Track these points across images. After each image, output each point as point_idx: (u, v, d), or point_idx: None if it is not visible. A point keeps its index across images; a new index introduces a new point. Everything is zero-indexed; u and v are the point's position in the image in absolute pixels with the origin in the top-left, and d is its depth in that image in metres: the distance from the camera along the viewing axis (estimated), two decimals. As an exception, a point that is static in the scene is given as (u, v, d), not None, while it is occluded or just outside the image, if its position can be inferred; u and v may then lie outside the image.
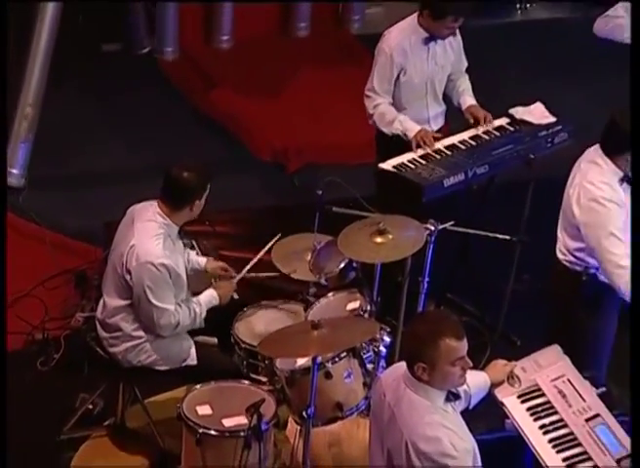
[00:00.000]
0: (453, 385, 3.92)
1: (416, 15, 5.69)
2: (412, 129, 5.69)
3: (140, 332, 5.00)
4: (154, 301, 4.85)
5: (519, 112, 5.92)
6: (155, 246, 4.84)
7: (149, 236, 4.86)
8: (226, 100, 7.57)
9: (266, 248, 5.32)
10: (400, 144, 5.71)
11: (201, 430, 4.61)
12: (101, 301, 5.10)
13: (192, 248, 5.67)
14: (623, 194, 4.87)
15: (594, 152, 4.91)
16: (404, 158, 5.64)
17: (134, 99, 7.55)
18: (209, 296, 5.09)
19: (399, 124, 5.71)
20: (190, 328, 5.07)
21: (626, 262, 4.75)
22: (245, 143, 7.32)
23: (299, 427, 4.75)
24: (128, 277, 4.87)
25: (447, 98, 5.97)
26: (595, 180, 4.82)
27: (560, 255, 5.05)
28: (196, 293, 5.12)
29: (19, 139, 6.84)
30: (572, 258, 4.99)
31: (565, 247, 5.01)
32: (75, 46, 7.43)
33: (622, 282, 4.77)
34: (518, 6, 8.36)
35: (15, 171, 6.83)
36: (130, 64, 7.88)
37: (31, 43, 6.84)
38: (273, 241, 5.33)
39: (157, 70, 7.89)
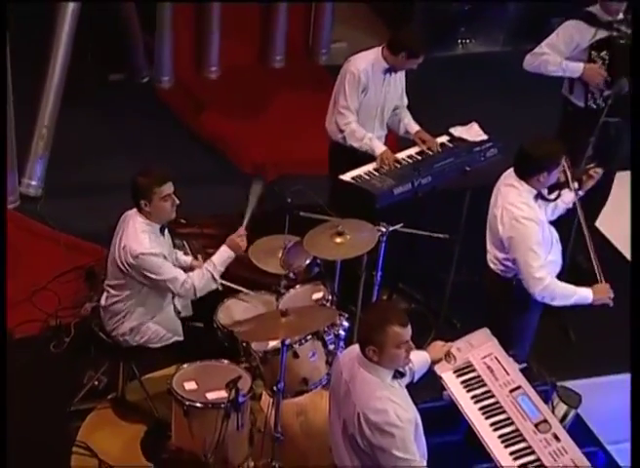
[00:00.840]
0: (398, 365, 3.90)
1: (379, 48, 5.68)
2: (378, 147, 5.68)
3: (135, 316, 4.95)
4: (161, 277, 4.77)
5: (457, 131, 5.91)
6: (142, 240, 4.77)
7: (136, 235, 4.79)
8: (214, 122, 7.52)
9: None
10: (350, 157, 5.69)
11: (188, 402, 4.60)
12: (105, 292, 5.04)
13: (183, 247, 5.62)
14: (539, 209, 4.86)
15: (510, 177, 4.89)
16: (361, 170, 5.62)
17: (135, 121, 7.49)
18: (221, 252, 4.87)
19: (368, 141, 5.68)
20: (209, 287, 4.85)
21: (541, 274, 4.76)
22: (229, 158, 7.27)
23: (271, 399, 4.73)
24: (129, 270, 4.80)
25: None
26: (515, 202, 4.80)
27: (492, 265, 5.02)
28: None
29: (36, 156, 6.78)
30: (502, 267, 4.96)
31: (495, 258, 4.98)
32: (86, 76, 7.35)
33: (537, 289, 4.78)
34: (459, 41, 8.37)
35: (33, 182, 6.78)
36: (132, 91, 7.81)
37: (47, 74, 6.77)
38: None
39: (155, 96, 7.82)
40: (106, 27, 7.55)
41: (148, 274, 4.77)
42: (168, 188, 4.77)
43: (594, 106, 5.86)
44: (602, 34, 5.78)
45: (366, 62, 5.65)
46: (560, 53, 5.85)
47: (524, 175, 4.81)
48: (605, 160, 5.49)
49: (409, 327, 3.85)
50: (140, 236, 4.78)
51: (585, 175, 5.08)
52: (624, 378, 5.72)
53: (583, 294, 4.84)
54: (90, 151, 7.12)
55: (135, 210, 4.89)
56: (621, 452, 5.20)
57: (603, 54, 5.77)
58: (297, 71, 8.06)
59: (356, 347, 3.95)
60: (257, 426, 4.87)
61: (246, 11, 7.89)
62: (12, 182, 6.62)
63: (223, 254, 4.89)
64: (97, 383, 5.30)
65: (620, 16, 5.78)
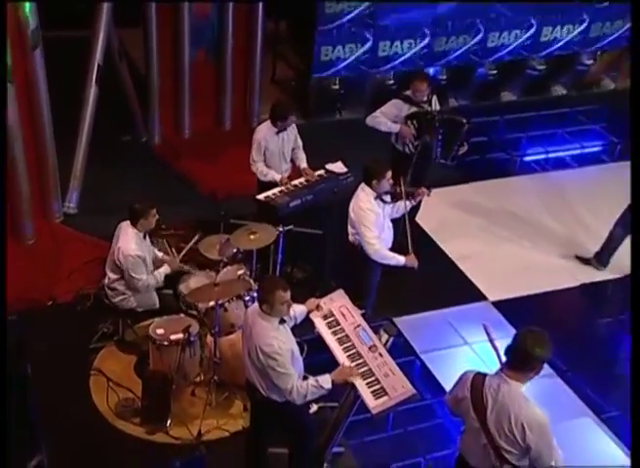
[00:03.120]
0: (282, 315, 3.79)
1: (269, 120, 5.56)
2: (278, 176, 5.54)
3: (127, 291, 4.77)
4: (133, 275, 4.63)
5: (330, 166, 5.77)
6: (132, 244, 4.61)
7: (128, 240, 4.64)
8: (187, 165, 7.24)
9: (192, 242, 5.06)
10: (266, 185, 5.54)
11: (158, 342, 4.47)
12: (106, 275, 4.83)
13: (163, 244, 5.39)
14: (377, 206, 4.78)
15: (362, 185, 4.85)
16: (269, 193, 5.47)
17: (138, 166, 7.14)
18: (164, 268, 4.84)
19: (271, 175, 5.54)
20: (156, 286, 4.82)
21: (373, 241, 4.68)
22: (196, 186, 7.00)
23: (212, 337, 4.57)
24: (119, 263, 4.63)
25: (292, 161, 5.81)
26: (362, 199, 4.77)
27: (350, 238, 4.94)
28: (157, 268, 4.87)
29: (73, 188, 6.49)
30: (354, 238, 4.88)
31: (351, 233, 4.91)
32: (105, 137, 7.02)
33: (371, 251, 4.72)
34: (337, 111, 8.22)
35: (71, 205, 6.48)
36: (136, 147, 7.46)
37: (78, 135, 6.49)
38: (196, 237, 5.09)
39: (151, 150, 7.49)
40: (117, 105, 7.23)
41: (127, 269, 4.61)
42: (155, 210, 4.69)
43: (408, 151, 5.80)
44: (413, 109, 5.72)
45: (263, 132, 5.53)
46: (388, 117, 5.79)
47: (365, 181, 4.80)
48: (417, 183, 5.43)
49: (289, 291, 3.74)
50: (130, 242, 4.63)
51: (417, 192, 5.03)
52: (433, 312, 5.69)
53: (399, 259, 4.80)
54: (107, 186, 6.78)
55: (127, 222, 4.71)
56: (431, 358, 5.18)
57: (414, 121, 5.71)
58: (238, 132, 7.80)
59: (257, 304, 3.81)
60: (204, 354, 4.72)
61: (205, 94, 7.61)
62: (57, 205, 6.34)
63: (165, 270, 4.83)
64: (106, 330, 5.09)
65: (425, 98, 5.73)
